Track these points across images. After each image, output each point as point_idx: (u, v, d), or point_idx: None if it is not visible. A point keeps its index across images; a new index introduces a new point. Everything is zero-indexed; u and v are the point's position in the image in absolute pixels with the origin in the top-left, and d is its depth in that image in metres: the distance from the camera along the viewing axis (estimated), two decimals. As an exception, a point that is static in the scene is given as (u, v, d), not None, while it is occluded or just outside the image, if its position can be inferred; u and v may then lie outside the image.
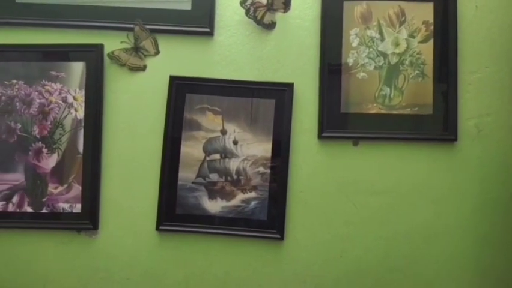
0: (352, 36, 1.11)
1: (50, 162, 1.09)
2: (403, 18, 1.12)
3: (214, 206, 1.09)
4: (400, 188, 1.09)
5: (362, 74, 1.10)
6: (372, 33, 1.11)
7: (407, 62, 1.11)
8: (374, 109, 1.10)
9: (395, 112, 1.10)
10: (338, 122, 1.09)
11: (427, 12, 1.12)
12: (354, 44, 1.11)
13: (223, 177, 1.10)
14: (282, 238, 1.07)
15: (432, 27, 1.11)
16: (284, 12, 1.11)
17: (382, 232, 1.09)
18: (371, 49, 1.11)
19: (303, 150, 1.10)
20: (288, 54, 1.12)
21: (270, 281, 1.09)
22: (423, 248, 1.09)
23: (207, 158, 1.10)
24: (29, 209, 1.09)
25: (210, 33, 1.12)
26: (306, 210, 1.09)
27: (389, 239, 1.09)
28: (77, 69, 1.10)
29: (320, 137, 1.09)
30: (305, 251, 1.09)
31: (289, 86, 1.09)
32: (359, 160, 1.09)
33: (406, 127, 1.10)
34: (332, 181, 1.09)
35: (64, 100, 1.10)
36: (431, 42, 1.11)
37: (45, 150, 1.09)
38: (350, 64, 1.10)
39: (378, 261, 1.09)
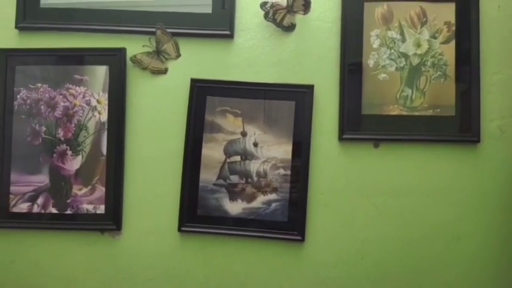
0: (373, 37, 1.10)
1: (74, 164, 1.11)
2: (424, 19, 1.11)
3: (235, 208, 1.10)
4: (422, 190, 1.09)
5: (383, 75, 1.10)
6: (393, 34, 1.10)
7: (428, 63, 1.10)
8: (395, 110, 1.09)
9: (416, 113, 1.09)
10: (359, 124, 1.09)
11: (449, 12, 1.11)
12: (375, 45, 1.10)
13: (244, 179, 1.11)
14: (302, 240, 1.07)
15: (454, 28, 1.10)
16: (304, 14, 1.12)
17: (403, 234, 1.08)
18: (392, 50, 1.10)
19: (324, 152, 1.10)
20: (308, 56, 1.12)
21: (291, 282, 1.09)
22: (444, 250, 1.09)
23: (228, 160, 1.11)
24: (54, 210, 1.11)
25: (230, 36, 1.12)
26: (327, 212, 1.09)
27: (410, 241, 1.08)
28: (101, 72, 1.12)
29: (341, 139, 1.09)
30: (326, 253, 1.09)
31: (309, 88, 1.09)
32: (380, 162, 1.09)
33: (428, 129, 1.09)
34: (352, 183, 1.09)
35: (88, 103, 1.12)
36: (453, 43, 1.10)
37: (69, 152, 1.11)
38: (371, 65, 1.10)
39: (400, 264, 1.08)
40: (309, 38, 1.12)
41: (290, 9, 1.11)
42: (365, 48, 1.10)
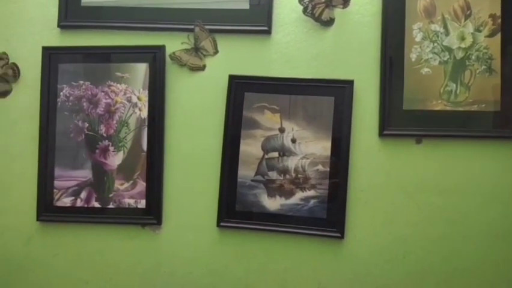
0: (415, 30, 1.08)
1: (116, 159, 1.14)
2: (468, 12, 1.07)
3: (273, 204, 1.10)
4: (466, 187, 1.06)
5: (425, 69, 1.07)
6: (437, 27, 1.07)
7: (473, 57, 1.06)
8: (438, 106, 1.06)
9: (461, 109, 1.06)
10: (400, 120, 1.07)
11: (494, 4, 1.07)
12: (418, 39, 1.07)
13: (282, 175, 1.10)
14: (342, 237, 1.06)
15: (499, 21, 1.07)
16: (343, 8, 1.10)
17: (446, 233, 1.06)
18: (435, 44, 1.07)
19: (364, 149, 1.08)
20: (347, 50, 1.10)
21: (330, 279, 1.09)
22: (489, 249, 1.06)
23: (266, 156, 1.11)
24: (97, 204, 1.14)
25: (268, 32, 1.12)
26: (367, 209, 1.08)
27: (453, 240, 1.06)
28: (141, 70, 1.14)
29: (381, 134, 1.07)
30: (366, 250, 1.08)
31: (349, 83, 1.07)
32: (422, 159, 1.07)
33: (473, 124, 1.06)
34: (393, 180, 1.07)
35: (129, 100, 1.14)
36: (499, 36, 1.06)
37: (111, 148, 1.14)
38: (413, 59, 1.07)
39: (442, 263, 1.06)
40: (348, 32, 1.11)
41: (329, 3, 1.09)
42: (407, 42, 1.08)
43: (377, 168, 1.08)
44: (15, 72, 1.19)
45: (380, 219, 1.08)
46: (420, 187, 1.06)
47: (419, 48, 1.07)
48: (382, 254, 1.07)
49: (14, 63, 1.18)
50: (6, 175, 1.17)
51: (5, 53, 1.19)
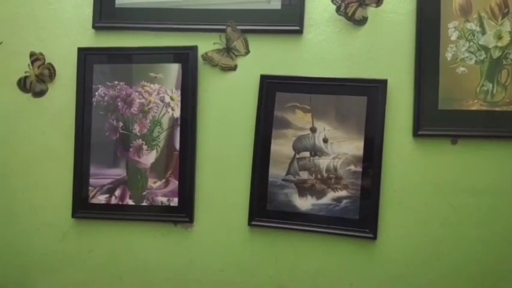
0: (451, 29, 1.06)
1: (149, 158, 1.16)
2: (506, 10, 1.05)
3: (304, 204, 1.10)
4: (502, 188, 1.04)
5: (461, 68, 1.05)
6: (473, 26, 1.05)
7: (510, 56, 1.04)
8: (474, 106, 1.04)
9: (497, 109, 1.04)
10: (436, 120, 1.05)
11: (533, 2, 1.05)
12: (453, 38, 1.06)
13: (313, 175, 1.10)
14: (375, 238, 1.06)
15: (538, 19, 1.04)
16: (376, 6, 1.09)
17: (482, 234, 1.04)
18: (471, 43, 1.05)
19: (397, 149, 1.07)
20: (380, 50, 1.09)
21: (362, 280, 1.08)
22: (525, 252, 1.04)
23: (297, 156, 1.11)
24: (130, 202, 1.17)
25: (300, 32, 1.12)
26: (401, 210, 1.07)
27: (489, 241, 1.04)
28: (174, 70, 1.15)
29: (416, 135, 1.06)
30: (399, 251, 1.07)
31: (382, 83, 1.07)
32: (457, 159, 1.05)
33: (510, 125, 1.03)
34: (428, 181, 1.06)
35: (162, 100, 1.15)
36: (538, 34, 1.04)
37: (145, 147, 1.16)
38: (449, 59, 1.06)
39: (477, 265, 1.05)
40: (382, 32, 1.10)
41: (362, 2, 1.09)
42: (442, 41, 1.06)
43: (411, 169, 1.07)
44: (51, 72, 1.22)
45: (413, 220, 1.06)
46: (455, 188, 1.05)
47: (455, 47, 1.06)
48: (416, 256, 1.06)
49: (50, 64, 1.22)
50: (43, 173, 1.21)
51: (41, 54, 1.22)
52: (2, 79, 1.24)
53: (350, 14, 1.09)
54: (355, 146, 1.08)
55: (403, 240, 1.07)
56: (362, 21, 1.10)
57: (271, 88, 1.12)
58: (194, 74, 1.14)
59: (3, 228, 1.22)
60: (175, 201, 1.14)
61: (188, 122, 1.14)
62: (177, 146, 1.15)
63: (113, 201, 1.17)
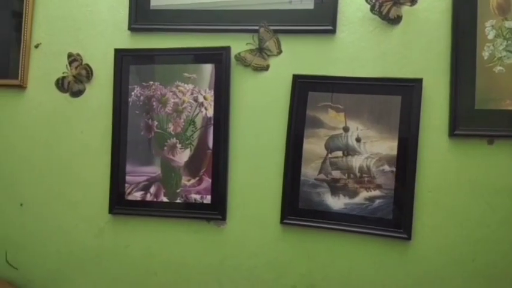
0: (488, 28, 1.04)
1: (183, 156, 1.18)
2: (546, 7, 1.03)
3: (337, 203, 1.11)
4: (541, 190, 1.02)
5: (499, 67, 1.04)
6: (511, 24, 1.04)
7: (551, 54, 1.02)
8: (512, 105, 1.03)
9: (537, 109, 1.02)
10: (472, 119, 1.04)
11: None
12: (490, 37, 1.04)
13: (346, 175, 1.11)
14: (409, 238, 1.05)
15: None
16: (411, 5, 1.08)
17: (519, 236, 1.03)
18: (509, 41, 1.03)
19: (432, 149, 1.06)
20: (415, 49, 1.09)
21: (396, 281, 1.08)
22: None
23: (329, 155, 1.12)
24: (165, 199, 1.20)
25: (333, 31, 1.12)
26: (436, 210, 1.06)
27: (527, 244, 1.03)
28: (207, 70, 1.17)
29: (452, 134, 1.05)
30: (434, 252, 1.06)
31: (417, 82, 1.06)
32: (494, 159, 1.03)
33: (549, 125, 1.02)
34: (464, 181, 1.05)
35: (195, 100, 1.18)
36: None
37: (179, 145, 1.19)
38: (486, 58, 1.04)
39: (514, 267, 1.03)
40: (416, 30, 1.09)
41: (397, 1, 1.08)
42: (479, 40, 1.04)
43: (446, 169, 1.06)
44: (88, 72, 1.26)
45: (449, 221, 1.05)
46: (491, 188, 1.03)
47: (492, 46, 1.04)
48: (451, 257, 1.05)
49: (87, 64, 1.26)
50: (81, 170, 1.25)
51: (78, 55, 1.27)
52: (40, 79, 1.29)
53: (384, 12, 1.09)
54: (388, 146, 1.08)
55: (438, 240, 1.06)
56: (397, 20, 1.09)
57: (304, 88, 1.13)
58: (227, 74, 1.16)
59: (43, 223, 1.27)
60: (208, 199, 1.17)
61: (221, 121, 1.16)
62: (210, 144, 1.17)
63: (148, 198, 1.20)
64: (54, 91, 1.28)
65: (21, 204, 1.29)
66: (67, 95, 1.27)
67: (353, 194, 1.10)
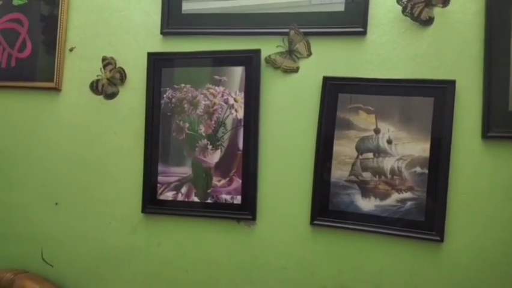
0: (523, 29, 1.03)
1: (214, 157, 1.21)
2: None
3: (367, 204, 1.11)
4: None
5: (534, 69, 1.02)
6: (547, 24, 1.02)
7: None
8: (548, 107, 1.01)
9: None
10: (506, 121, 1.03)
11: None
12: (525, 37, 1.03)
13: (377, 176, 1.11)
14: (441, 240, 1.05)
15: None
16: (443, 7, 1.08)
17: (556, 240, 1.01)
18: (545, 42, 1.02)
19: (465, 151, 1.05)
20: (447, 50, 1.08)
21: (427, 283, 1.07)
22: None
23: (360, 157, 1.12)
24: (196, 199, 1.22)
25: (363, 33, 1.13)
26: (468, 213, 1.05)
27: None
28: (237, 73, 1.19)
29: (485, 136, 1.04)
30: (467, 255, 1.05)
31: (450, 84, 1.05)
32: (529, 162, 1.02)
33: None
34: (497, 183, 1.04)
35: (226, 102, 1.20)
36: None
37: (209, 147, 1.21)
38: (521, 59, 1.03)
39: (551, 272, 1.01)
40: (449, 32, 1.08)
41: (428, 2, 1.08)
42: (514, 41, 1.03)
43: (479, 171, 1.05)
44: (122, 75, 1.30)
45: (482, 224, 1.04)
46: (527, 192, 1.02)
47: (527, 46, 1.03)
48: (484, 260, 1.04)
49: (121, 68, 1.30)
50: (114, 170, 1.29)
51: (112, 58, 1.31)
52: (75, 82, 1.34)
53: (416, 14, 1.09)
54: (421, 148, 1.08)
55: (471, 243, 1.05)
56: (429, 21, 1.09)
57: (334, 89, 1.14)
58: (257, 76, 1.18)
59: (77, 221, 1.32)
60: (238, 199, 1.19)
61: (251, 122, 1.18)
62: (240, 146, 1.19)
63: (180, 198, 1.23)
64: (88, 93, 1.32)
65: (56, 203, 1.34)
66: (101, 97, 1.32)
67: (384, 195, 1.10)
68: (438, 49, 1.09)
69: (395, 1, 1.10)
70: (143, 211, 1.25)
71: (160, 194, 1.24)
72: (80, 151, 1.33)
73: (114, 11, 1.32)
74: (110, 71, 1.30)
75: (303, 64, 1.17)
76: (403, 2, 1.09)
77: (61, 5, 1.34)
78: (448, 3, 1.07)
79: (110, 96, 1.31)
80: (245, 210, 1.18)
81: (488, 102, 1.03)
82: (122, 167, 1.28)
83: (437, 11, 1.08)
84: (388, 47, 1.12)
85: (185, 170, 1.23)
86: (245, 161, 1.18)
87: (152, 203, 1.25)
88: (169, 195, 1.24)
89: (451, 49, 1.08)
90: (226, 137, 1.20)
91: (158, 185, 1.24)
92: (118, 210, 1.28)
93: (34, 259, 1.35)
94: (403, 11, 1.09)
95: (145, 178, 1.24)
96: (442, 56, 1.08)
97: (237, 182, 1.19)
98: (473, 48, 1.06)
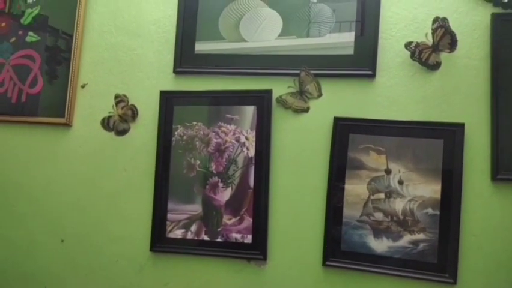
0: (528, 74, 1.07)
1: (224, 195, 1.21)
2: None
3: (380, 246, 1.11)
4: None
5: (541, 113, 1.05)
6: (551, 70, 1.06)
7: None
8: (557, 151, 1.03)
9: None
10: (516, 164, 1.05)
11: None
12: (531, 83, 1.07)
13: (389, 217, 1.11)
14: (454, 283, 1.04)
15: None
16: (450, 52, 1.12)
17: None
18: (550, 87, 1.06)
19: (476, 193, 1.07)
20: (454, 93, 1.11)
21: (442, 326, 1.06)
22: None
23: (371, 197, 1.13)
24: (206, 238, 1.21)
25: (372, 75, 1.16)
26: (481, 255, 1.05)
27: None
28: (249, 112, 1.21)
29: (495, 178, 1.05)
30: (481, 298, 1.04)
31: (459, 126, 1.08)
32: (540, 204, 1.03)
33: None
34: (508, 225, 1.04)
35: (237, 140, 1.21)
36: None
37: (220, 184, 1.21)
38: (528, 103, 1.06)
39: None
40: (456, 76, 1.12)
41: (436, 47, 1.12)
42: (519, 86, 1.07)
43: (490, 213, 1.05)
44: (134, 112, 1.31)
45: (494, 266, 1.04)
46: (539, 234, 1.03)
47: (533, 91, 1.06)
48: (498, 303, 1.03)
49: (133, 105, 1.32)
50: (123, 207, 1.28)
51: (125, 96, 1.33)
52: (86, 118, 1.35)
53: (424, 59, 1.13)
54: (432, 189, 1.09)
55: (484, 285, 1.04)
56: (436, 66, 1.13)
57: (345, 130, 1.16)
58: (268, 115, 1.20)
59: (83, 259, 1.30)
60: (249, 238, 1.18)
61: (262, 161, 1.19)
62: (251, 184, 1.19)
63: (189, 236, 1.22)
64: (99, 129, 1.33)
65: (62, 240, 1.32)
66: (112, 133, 1.33)
67: (397, 236, 1.10)
68: (446, 92, 1.12)
69: (403, 46, 1.14)
70: (151, 249, 1.23)
71: (169, 232, 1.23)
72: (88, 187, 1.32)
73: (127, 49, 1.35)
74: (123, 108, 1.32)
75: (313, 104, 1.20)
76: (411, 48, 1.13)
77: (75, 42, 1.37)
78: (455, 48, 1.12)
79: (121, 132, 1.32)
80: (256, 249, 1.17)
81: (496, 146, 1.06)
82: (131, 204, 1.28)
83: (444, 56, 1.12)
84: (397, 90, 1.15)
85: (195, 208, 1.22)
86: (256, 199, 1.18)
87: (160, 241, 1.23)
88: (178, 233, 1.22)
89: (459, 92, 1.11)
90: (237, 174, 1.21)
91: (167, 222, 1.23)
92: (126, 248, 1.27)
93: (37, 298, 1.32)
94: (411, 56, 1.13)
95: (154, 216, 1.24)
96: (450, 99, 1.11)
97: (248, 221, 1.18)
98: (480, 92, 1.10)
